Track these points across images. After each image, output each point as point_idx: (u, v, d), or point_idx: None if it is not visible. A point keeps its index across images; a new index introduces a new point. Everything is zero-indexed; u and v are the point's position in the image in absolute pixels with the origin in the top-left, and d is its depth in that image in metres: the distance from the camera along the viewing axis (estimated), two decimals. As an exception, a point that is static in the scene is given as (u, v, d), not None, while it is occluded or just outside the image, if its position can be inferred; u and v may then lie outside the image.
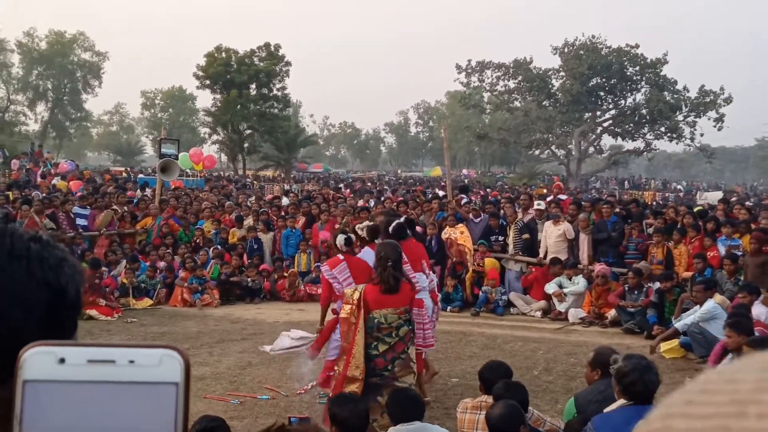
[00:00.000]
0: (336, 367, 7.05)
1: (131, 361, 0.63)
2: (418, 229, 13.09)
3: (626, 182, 61.66)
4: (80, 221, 15.20)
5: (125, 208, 16.66)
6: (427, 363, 8.19)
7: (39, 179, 25.64)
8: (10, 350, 0.74)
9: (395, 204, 16.37)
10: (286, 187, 32.54)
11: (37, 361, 0.63)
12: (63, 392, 0.61)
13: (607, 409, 4.62)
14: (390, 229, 7.94)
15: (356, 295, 6.88)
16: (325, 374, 7.36)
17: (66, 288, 0.83)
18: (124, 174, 35.63)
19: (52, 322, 0.80)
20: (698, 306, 10.17)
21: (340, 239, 7.87)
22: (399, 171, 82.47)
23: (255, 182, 37.58)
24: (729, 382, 0.47)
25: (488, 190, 34.26)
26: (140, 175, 32.74)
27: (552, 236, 13.88)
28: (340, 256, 7.68)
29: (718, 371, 0.49)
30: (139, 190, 22.88)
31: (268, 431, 0.89)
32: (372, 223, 8.45)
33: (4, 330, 0.76)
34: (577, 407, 5.43)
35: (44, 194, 18.60)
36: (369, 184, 37.26)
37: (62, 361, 0.62)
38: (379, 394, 6.71)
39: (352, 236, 8.05)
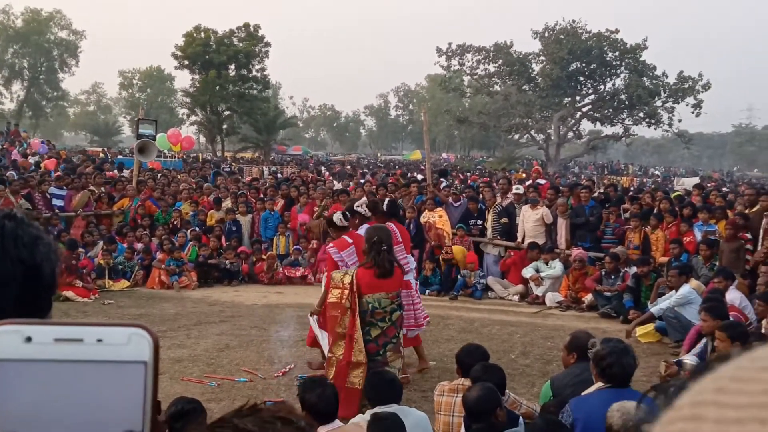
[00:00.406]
0: (330, 353, 6.96)
1: (99, 340, 0.62)
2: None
3: (605, 168, 61.95)
4: (56, 201, 15.04)
5: (102, 188, 16.52)
6: (422, 353, 8.22)
7: (20, 158, 25.33)
8: None
9: (374, 187, 16.34)
10: (266, 169, 32.32)
11: (4, 340, 0.62)
12: (30, 371, 0.61)
13: (584, 393, 4.67)
14: (384, 206, 7.93)
15: (347, 279, 6.83)
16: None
17: (41, 266, 0.83)
18: (102, 155, 35.25)
19: (26, 300, 0.81)
20: (674, 291, 10.26)
21: (338, 216, 7.79)
22: (379, 154, 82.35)
23: (234, 164, 37.32)
24: (764, 370, 0.45)
25: (467, 174, 34.30)
26: (118, 156, 32.43)
27: (530, 220, 13.92)
28: (348, 239, 7.57)
29: (751, 357, 0.47)
30: (116, 171, 22.69)
31: (240, 410, 0.89)
32: (369, 199, 8.35)
33: None
34: (553, 390, 5.47)
35: (20, 174, 18.39)
36: (348, 167, 37.14)
37: (29, 339, 0.62)
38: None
39: (348, 214, 7.99)
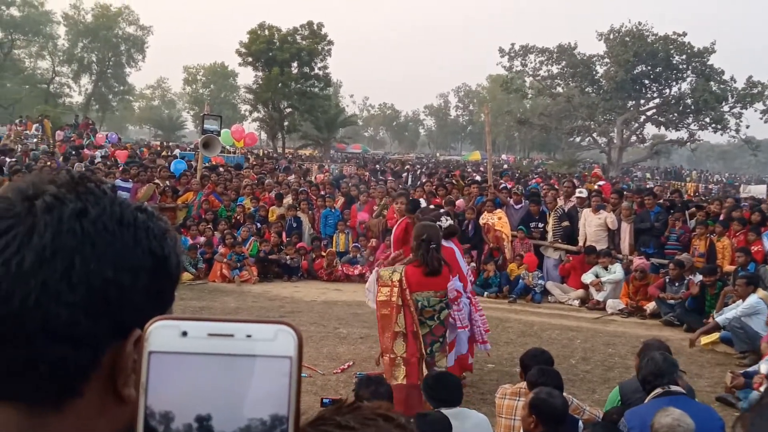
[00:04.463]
0: (393, 354, 6.76)
1: (248, 336, 0.66)
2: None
3: (668, 173, 60.79)
4: (122, 194, 15.26)
5: (167, 182, 16.81)
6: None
7: (96, 151, 26.02)
8: (120, 312, 0.80)
9: (434, 188, 16.30)
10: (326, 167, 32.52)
11: (162, 333, 0.67)
12: (185, 363, 0.66)
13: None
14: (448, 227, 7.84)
15: (396, 277, 6.82)
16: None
17: (168, 258, 0.87)
18: (158, 147, 35.68)
19: (154, 290, 0.84)
20: (740, 300, 10.03)
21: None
22: (438, 154, 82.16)
23: (294, 162, 37.62)
24: None
25: (525, 175, 33.98)
26: (176, 150, 32.80)
27: (592, 225, 13.74)
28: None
29: None
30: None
31: (340, 408, 0.90)
32: (450, 223, 8.22)
33: (114, 293, 0.79)
34: (621, 396, 5.41)
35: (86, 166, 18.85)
36: (408, 166, 37.06)
37: (185, 334, 0.66)
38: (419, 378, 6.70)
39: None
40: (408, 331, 6.71)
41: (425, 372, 6.56)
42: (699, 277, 11.68)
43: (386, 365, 6.83)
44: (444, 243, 7.53)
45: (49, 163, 19.55)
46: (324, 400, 5.14)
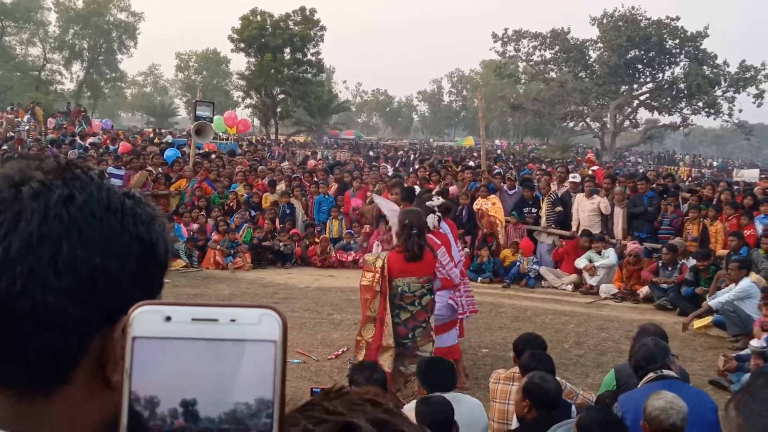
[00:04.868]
0: (359, 336, 7.00)
1: (233, 320, 0.66)
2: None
3: (660, 157, 60.91)
4: (114, 181, 15.16)
5: (159, 169, 16.77)
6: (460, 370, 8.05)
7: (90, 138, 25.89)
8: (108, 298, 0.79)
9: (428, 173, 16.29)
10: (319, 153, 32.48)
11: (146, 318, 0.67)
12: (169, 348, 0.66)
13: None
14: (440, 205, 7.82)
15: (379, 263, 6.83)
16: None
17: (156, 244, 0.86)
18: (151, 134, 35.56)
19: (142, 276, 0.84)
20: (733, 284, 10.07)
21: (432, 221, 7.44)
22: (431, 140, 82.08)
23: (288, 149, 37.55)
24: None
25: (523, 161, 33.96)
26: (168, 136, 32.60)
27: (585, 210, 13.76)
28: (437, 240, 7.39)
29: None
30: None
31: (328, 394, 0.90)
32: (444, 200, 8.21)
33: (102, 279, 0.79)
34: (617, 379, 5.43)
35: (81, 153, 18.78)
36: (401, 152, 37.06)
37: (168, 319, 0.66)
38: (401, 364, 6.73)
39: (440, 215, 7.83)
40: (378, 317, 6.75)
41: (386, 358, 6.60)
42: (692, 262, 11.72)
43: (355, 346, 6.92)
44: (440, 228, 7.54)
45: (41, 150, 19.49)
46: (314, 390, 5.15)
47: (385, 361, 6.62)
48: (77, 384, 0.79)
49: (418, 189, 9.70)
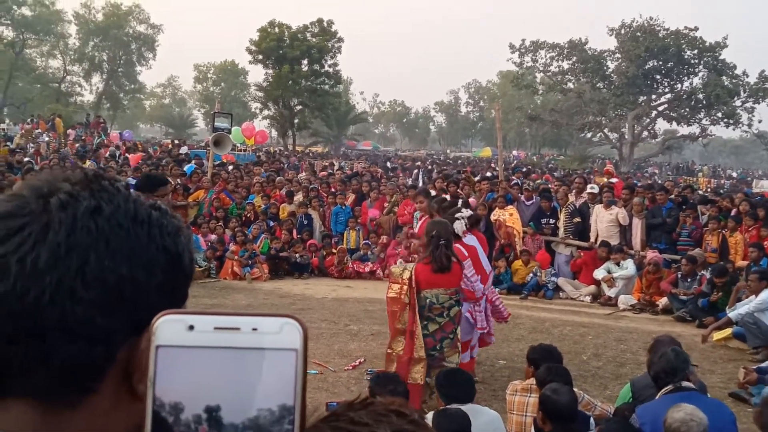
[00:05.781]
0: (390, 349, 6.95)
1: (254, 329, 0.67)
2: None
3: (679, 168, 60.53)
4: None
5: (178, 180, 16.84)
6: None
7: (107, 150, 26.10)
8: (135, 309, 0.80)
9: (445, 184, 16.26)
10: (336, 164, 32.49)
11: (169, 327, 0.68)
12: (192, 357, 0.67)
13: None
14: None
15: (406, 275, 6.82)
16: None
17: (182, 255, 0.87)
18: (169, 146, 35.74)
19: (168, 287, 0.84)
20: (753, 296, 9.98)
21: (461, 225, 7.41)
22: (448, 150, 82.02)
23: (303, 159, 37.63)
24: None
25: (543, 172, 33.82)
26: (184, 147, 32.69)
27: (603, 221, 13.70)
28: (464, 251, 7.30)
29: None
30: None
31: (353, 404, 0.90)
32: (473, 212, 8.19)
33: (129, 289, 0.80)
34: (633, 392, 5.39)
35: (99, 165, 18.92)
36: (419, 163, 37.02)
37: (191, 328, 0.68)
38: (427, 375, 6.70)
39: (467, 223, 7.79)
40: (408, 329, 6.73)
41: (418, 370, 6.59)
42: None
43: (385, 359, 6.93)
44: (466, 240, 7.51)
45: (61, 162, 19.64)
46: (329, 404, 5.14)
47: (418, 373, 6.61)
48: (104, 394, 0.80)
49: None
